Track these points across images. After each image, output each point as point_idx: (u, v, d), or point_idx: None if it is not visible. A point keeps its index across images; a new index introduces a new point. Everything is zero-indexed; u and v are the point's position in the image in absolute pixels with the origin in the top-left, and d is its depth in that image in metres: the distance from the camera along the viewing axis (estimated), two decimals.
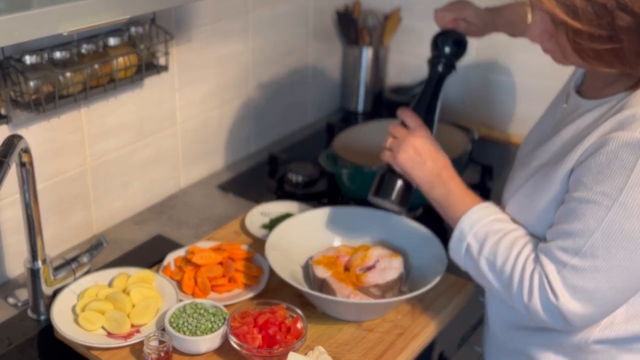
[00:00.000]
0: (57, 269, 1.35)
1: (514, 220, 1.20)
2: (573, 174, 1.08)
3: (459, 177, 1.27)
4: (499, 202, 1.26)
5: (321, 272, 1.35)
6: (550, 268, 1.08)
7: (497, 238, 1.16)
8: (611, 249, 1.04)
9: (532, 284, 1.10)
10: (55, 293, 1.34)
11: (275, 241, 1.40)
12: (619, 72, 1.07)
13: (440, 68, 1.37)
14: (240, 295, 1.37)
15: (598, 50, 1.03)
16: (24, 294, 1.38)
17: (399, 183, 1.32)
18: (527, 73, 2.04)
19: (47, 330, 1.31)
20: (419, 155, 1.27)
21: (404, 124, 1.33)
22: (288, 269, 1.36)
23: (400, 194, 1.32)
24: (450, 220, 1.24)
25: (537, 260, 1.11)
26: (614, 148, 1.02)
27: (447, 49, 1.38)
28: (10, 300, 1.38)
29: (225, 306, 1.31)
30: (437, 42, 1.39)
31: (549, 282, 1.08)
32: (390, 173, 1.33)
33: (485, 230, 1.18)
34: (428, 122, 1.34)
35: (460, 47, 1.40)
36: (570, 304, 1.07)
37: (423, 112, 1.34)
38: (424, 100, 1.36)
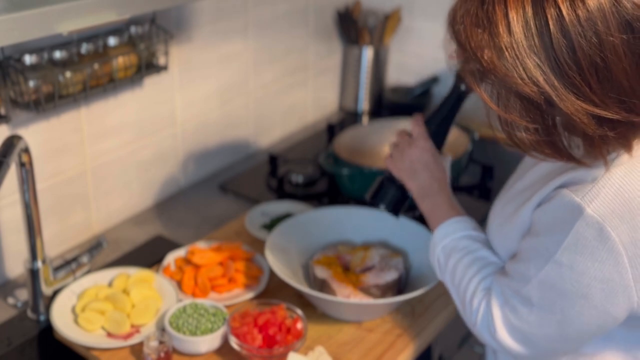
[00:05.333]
0: (56, 269, 1.35)
1: (490, 239, 1.20)
2: (534, 214, 1.06)
3: (450, 190, 1.28)
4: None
5: (321, 272, 1.35)
6: (495, 302, 1.09)
7: (460, 256, 1.17)
8: (545, 300, 1.03)
9: (478, 311, 1.12)
10: (55, 293, 1.34)
11: (275, 241, 1.40)
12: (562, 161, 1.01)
13: (463, 86, 1.37)
14: (240, 295, 1.37)
15: (532, 140, 0.96)
16: (23, 294, 1.38)
17: (395, 191, 1.34)
18: None
19: (47, 331, 1.31)
20: (414, 166, 1.28)
21: None
22: (288, 269, 1.36)
23: (393, 202, 1.34)
24: (432, 232, 1.25)
25: (488, 289, 1.12)
26: (560, 205, 0.99)
27: None
28: (10, 300, 1.38)
29: (225, 306, 1.31)
30: None
31: (491, 315, 1.09)
32: (388, 180, 1.34)
33: (452, 246, 1.19)
34: (439, 134, 1.33)
35: None
36: (507, 340, 1.08)
37: (436, 123, 1.33)
38: (440, 112, 1.35)
